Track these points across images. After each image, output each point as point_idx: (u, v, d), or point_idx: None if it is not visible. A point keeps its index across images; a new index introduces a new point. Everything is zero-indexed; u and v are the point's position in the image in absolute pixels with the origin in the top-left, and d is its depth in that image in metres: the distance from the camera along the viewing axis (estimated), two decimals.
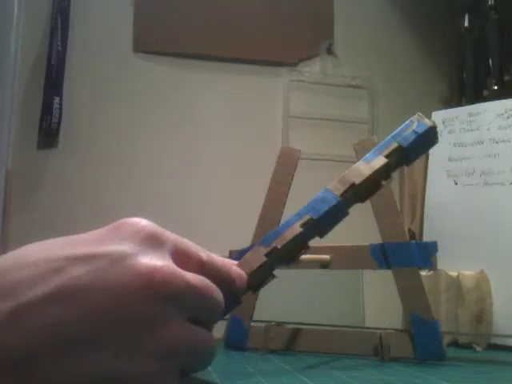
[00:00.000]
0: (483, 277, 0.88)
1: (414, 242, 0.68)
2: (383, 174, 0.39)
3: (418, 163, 1.15)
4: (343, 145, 1.28)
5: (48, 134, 1.27)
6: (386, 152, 0.39)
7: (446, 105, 1.41)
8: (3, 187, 1.21)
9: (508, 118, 0.97)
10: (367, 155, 0.39)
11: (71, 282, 0.25)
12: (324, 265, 0.69)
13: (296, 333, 0.70)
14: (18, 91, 1.27)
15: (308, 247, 0.41)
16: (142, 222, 0.29)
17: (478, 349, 0.82)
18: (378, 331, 0.65)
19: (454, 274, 0.89)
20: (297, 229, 0.38)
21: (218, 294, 0.31)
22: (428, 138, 0.41)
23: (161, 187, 1.31)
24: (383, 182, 0.40)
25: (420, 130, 0.41)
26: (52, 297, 0.24)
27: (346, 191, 0.40)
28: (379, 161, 0.38)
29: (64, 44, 1.29)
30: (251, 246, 0.69)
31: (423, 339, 0.62)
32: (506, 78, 1.24)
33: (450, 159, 1.03)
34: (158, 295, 0.26)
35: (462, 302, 0.87)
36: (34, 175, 1.27)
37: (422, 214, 1.03)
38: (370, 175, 0.38)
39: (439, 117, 1.09)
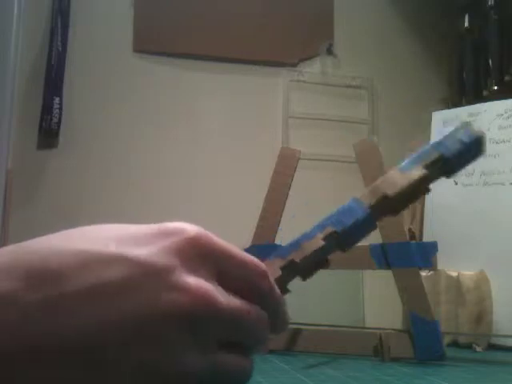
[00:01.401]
0: (483, 277, 0.88)
1: (413, 242, 0.68)
2: (420, 185, 0.35)
3: None
4: (343, 145, 1.28)
5: (48, 134, 1.27)
6: (426, 162, 0.34)
7: (446, 105, 1.41)
8: (3, 187, 1.21)
9: (508, 118, 0.97)
10: (404, 164, 0.35)
11: (111, 280, 0.24)
12: None
13: (296, 333, 0.70)
14: (18, 91, 1.27)
15: (328, 262, 0.36)
16: (193, 233, 0.28)
17: (478, 349, 0.82)
18: (378, 331, 0.65)
19: (454, 274, 0.89)
20: (318, 242, 0.35)
21: (259, 319, 0.28)
22: (474, 148, 0.35)
23: (160, 187, 1.31)
24: (420, 195, 0.35)
25: (466, 140, 0.35)
26: (100, 290, 0.23)
27: (376, 203, 0.35)
28: (417, 172, 0.34)
29: (64, 44, 1.29)
30: (248, 248, 0.69)
31: (423, 339, 0.62)
32: (506, 78, 1.24)
33: None
34: (183, 319, 0.24)
35: (462, 302, 0.87)
36: (34, 175, 1.27)
37: (422, 214, 1.03)
38: (406, 187, 0.34)
39: (439, 117, 1.09)
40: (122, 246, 0.25)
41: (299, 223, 1.23)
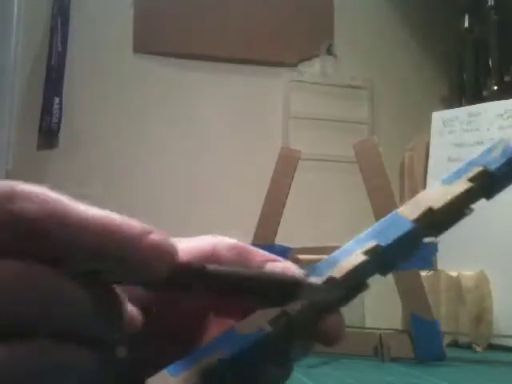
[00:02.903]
0: (483, 277, 0.88)
1: None
2: (464, 202, 0.32)
3: (417, 164, 1.15)
4: (343, 145, 1.28)
5: (48, 134, 1.27)
6: (469, 176, 0.32)
7: (446, 105, 1.41)
8: None
9: (508, 118, 0.97)
10: (444, 177, 0.32)
11: None
12: None
13: None
14: (18, 91, 1.27)
15: (367, 286, 0.31)
16: None
17: (478, 349, 0.82)
18: (378, 331, 0.65)
19: (453, 274, 0.89)
20: (359, 257, 0.29)
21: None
22: None
23: (160, 187, 1.31)
24: (465, 212, 0.32)
25: (509, 154, 0.33)
26: None
27: (421, 216, 0.31)
28: (462, 184, 0.31)
29: (64, 44, 1.29)
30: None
31: (423, 339, 0.62)
32: (506, 78, 1.24)
33: (449, 159, 1.03)
34: None
35: (462, 301, 0.87)
36: (34, 175, 1.27)
37: None
38: (451, 200, 0.31)
39: (439, 117, 1.09)
40: None
41: (299, 224, 1.22)
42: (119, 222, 0.19)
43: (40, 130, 1.27)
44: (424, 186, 1.09)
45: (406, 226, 0.30)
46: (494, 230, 0.90)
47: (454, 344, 0.85)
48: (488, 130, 0.98)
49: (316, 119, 1.41)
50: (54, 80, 1.27)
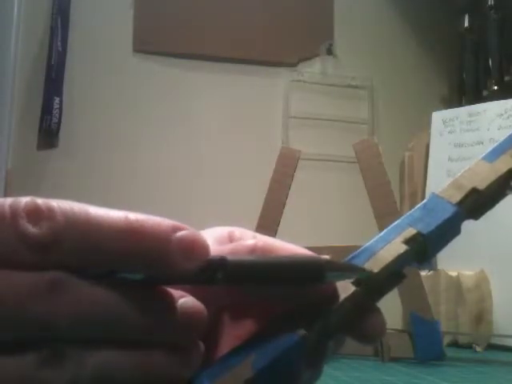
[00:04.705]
0: (483, 277, 0.88)
1: None
2: (508, 181, 0.29)
3: (417, 164, 1.15)
4: (343, 145, 1.28)
5: (48, 134, 1.27)
6: None
7: (446, 105, 1.41)
8: (3, 187, 1.21)
9: (508, 118, 0.97)
10: (486, 154, 0.30)
11: None
12: None
13: None
14: (18, 91, 1.27)
15: (404, 277, 0.28)
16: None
17: (478, 349, 0.82)
18: None
19: (453, 273, 0.89)
20: (399, 246, 0.26)
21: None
22: None
23: (160, 187, 1.31)
24: (506, 192, 0.29)
25: None
26: None
27: (465, 198, 0.28)
28: (507, 162, 0.28)
29: (64, 44, 1.29)
30: None
31: (423, 339, 0.62)
32: (506, 78, 1.24)
33: (450, 159, 1.03)
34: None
35: (462, 301, 0.87)
36: (34, 175, 1.27)
37: None
38: (497, 180, 0.28)
39: (439, 117, 1.09)
40: None
41: (299, 224, 1.22)
42: (143, 220, 0.18)
43: (40, 130, 1.27)
44: (424, 186, 1.09)
45: (449, 210, 0.28)
46: (494, 230, 0.90)
47: (454, 344, 0.86)
48: (488, 129, 0.98)
49: (316, 119, 1.41)
50: (54, 80, 1.27)
